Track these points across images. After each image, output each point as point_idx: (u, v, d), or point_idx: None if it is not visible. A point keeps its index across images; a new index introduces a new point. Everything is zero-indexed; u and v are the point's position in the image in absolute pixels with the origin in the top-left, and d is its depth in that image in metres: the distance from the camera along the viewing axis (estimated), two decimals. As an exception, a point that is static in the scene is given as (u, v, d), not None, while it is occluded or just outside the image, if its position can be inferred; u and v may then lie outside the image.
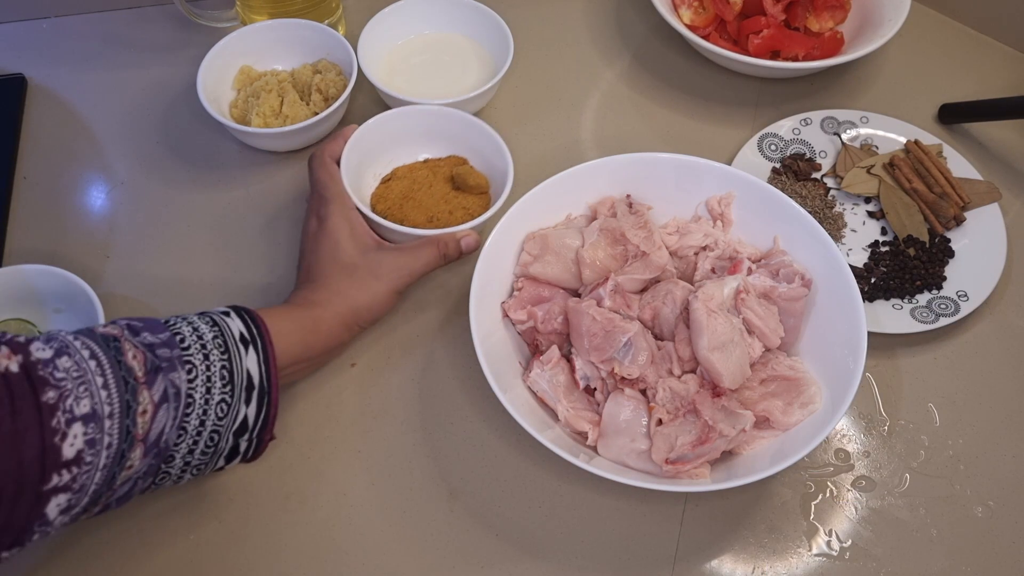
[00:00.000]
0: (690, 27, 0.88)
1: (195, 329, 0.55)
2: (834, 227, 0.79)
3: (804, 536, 0.65)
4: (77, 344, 0.49)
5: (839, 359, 0.64)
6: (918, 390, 0.72)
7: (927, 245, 0.78)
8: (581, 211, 0.75)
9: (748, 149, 0.83)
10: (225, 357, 0.55)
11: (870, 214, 0.81)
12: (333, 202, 0.70)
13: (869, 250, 0.79)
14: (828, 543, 0.65)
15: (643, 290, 0.70)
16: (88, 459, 0.47)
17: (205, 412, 0.54)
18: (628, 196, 0.74)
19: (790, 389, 0.65)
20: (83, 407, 0.47)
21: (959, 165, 0.82)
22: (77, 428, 0.46)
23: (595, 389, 0.67)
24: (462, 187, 0.76)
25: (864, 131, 0.86)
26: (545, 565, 0.63)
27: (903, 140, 0.85)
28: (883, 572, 0.64)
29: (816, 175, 0.83)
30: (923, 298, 0.75)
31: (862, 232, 0.80)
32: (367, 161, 0.78)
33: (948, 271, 0.76)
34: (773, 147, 0.84)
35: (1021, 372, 0.73)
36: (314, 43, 0.86)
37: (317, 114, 0.81)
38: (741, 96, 0.90)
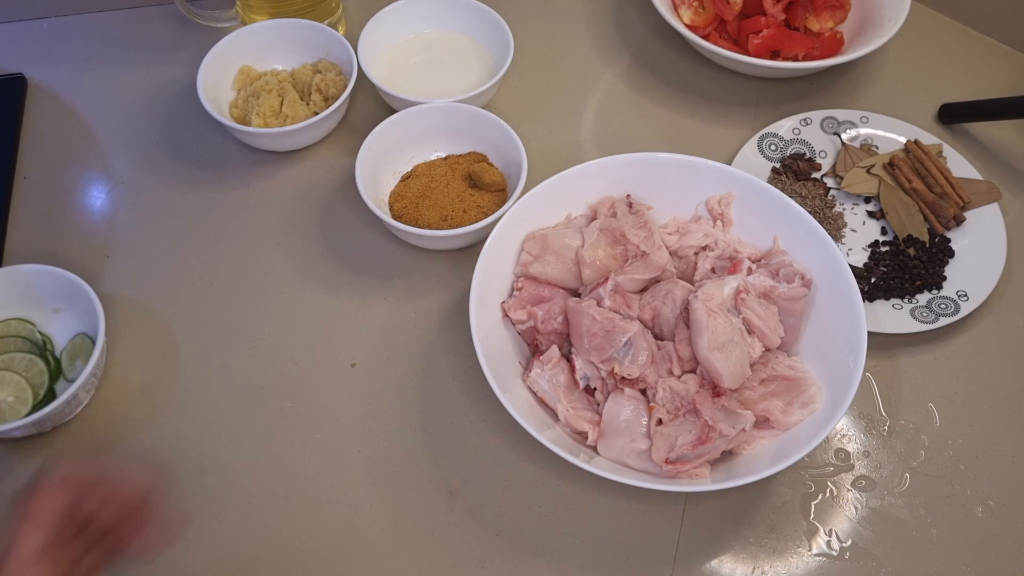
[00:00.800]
0: (690, 27, 0.88)
1: None
2: (834, 227, 0.79)
3: (804, 536, 0.65)
4: None
5: (839, 359, 0.64)
6: (918, 390, 0.72)
7: (927, 245, 0.78)
8: (581, 211, 0.75)
9: (748, 149, 0.83)
10: None
11: (870, 214, 0.81)
12: None
13: (869, 250, 0.79)
14: (828, 543, 0.65)
15: (643, 290, 0.70)
16: None
17: None
18: (628, 196, 0.74)
19: (790, 389, 0.65)
20: None
21: (959, 165, 0.82)
22: None
23: (595, 389, 0.67)
24: (478, 184, 0.77)
25: (864, 131, 0.86)
26: (545, 565, 0.63)
27: (903, 140, 0.85)
28: (883, 572, 0.64)
29: (816, 175, 0.83)
30: (923, 298, 0.75)
31: (862, 232, 0.80)
32: (384, 159, 0.79)
33: (948, 271, 0.76)
34: (773, 147, 0.84)
35: (1021, 372, 0.73)
36: (314, 43, 0.86)
37: (317, 114, 0.81)
38: (741, 96, 0.90)
